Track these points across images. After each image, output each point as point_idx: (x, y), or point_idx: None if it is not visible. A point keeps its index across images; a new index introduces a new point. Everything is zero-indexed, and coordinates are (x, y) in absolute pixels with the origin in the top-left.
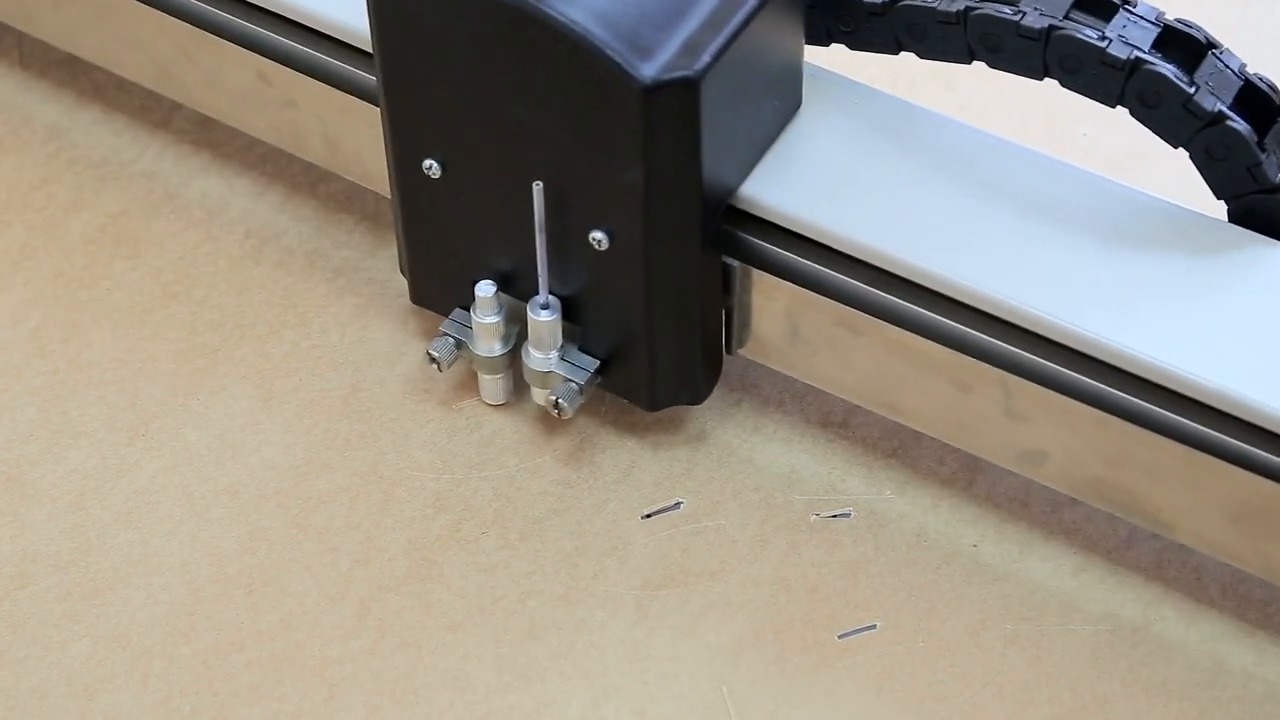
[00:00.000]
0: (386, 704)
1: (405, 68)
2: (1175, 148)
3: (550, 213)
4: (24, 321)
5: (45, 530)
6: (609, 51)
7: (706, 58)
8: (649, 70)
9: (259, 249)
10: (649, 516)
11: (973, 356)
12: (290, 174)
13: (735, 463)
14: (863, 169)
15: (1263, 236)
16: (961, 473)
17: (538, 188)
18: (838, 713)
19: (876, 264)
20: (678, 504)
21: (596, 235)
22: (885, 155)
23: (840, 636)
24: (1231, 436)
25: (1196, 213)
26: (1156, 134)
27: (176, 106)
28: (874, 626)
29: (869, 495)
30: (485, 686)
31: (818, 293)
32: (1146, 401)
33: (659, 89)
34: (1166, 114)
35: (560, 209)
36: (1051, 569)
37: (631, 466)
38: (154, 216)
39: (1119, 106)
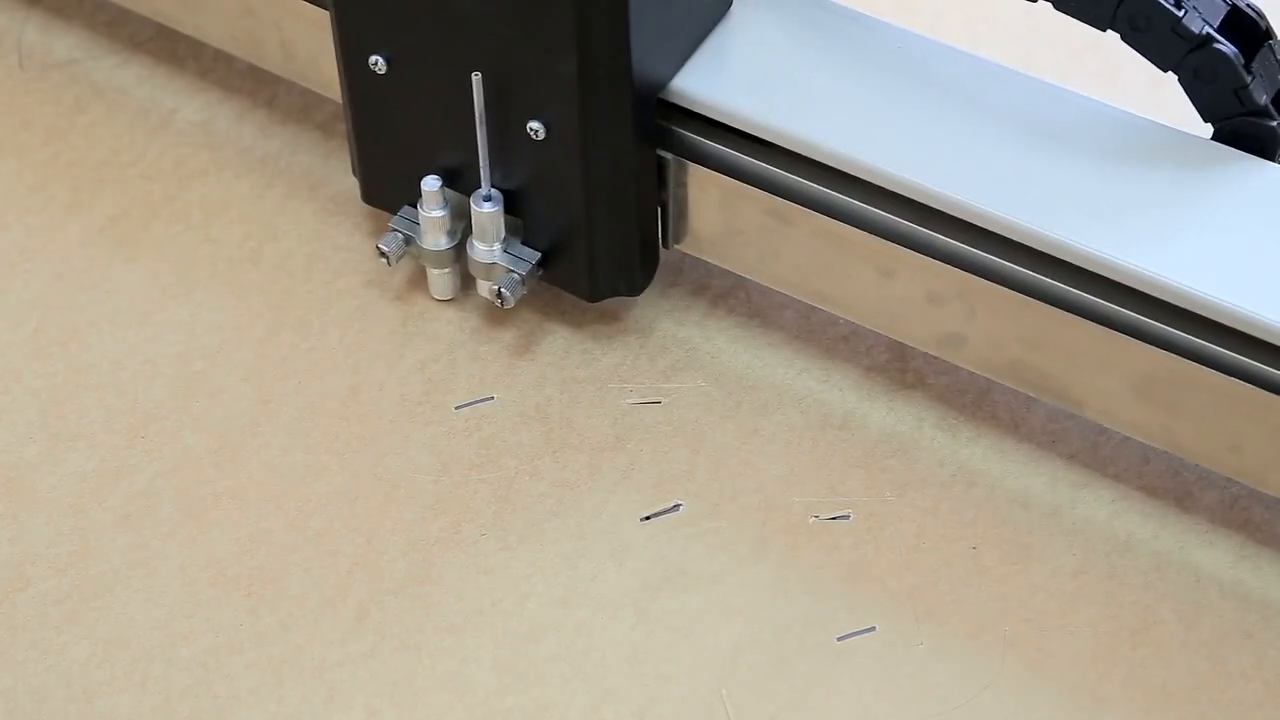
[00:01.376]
0: (386, 706)
1: None
2: (1164, 70)
3: (490, 104)
4: (23, 323)
5: (44, 533)
6: None
7: None
8: None
9: (258, 251)
10: (648, 519)
11: (894, 242)
12: (289, 176)
13: (734, 465)
14: (791, 63)
15: (1239, 153)
16: (961, 475)
17: (477, 79)
18: (837, 715)
19: (804, 154)
20: (677, 506)
21: (534, 125)
22: (814, 51)
23: (839, 639)
24: (1139, 313)
25: (1140, 117)
26: (1145, 57)
27: (176, 109)
28: (873, 629)
29: (868, 497)
30: (484, 689)
31: (748, 184)
32: (1060, 282)
33: None
34: (1155, 37)
35: (500, 100)
36: (1050, 571)
37: (631, 468)
38: (153, 219)
39: (1109, 30)
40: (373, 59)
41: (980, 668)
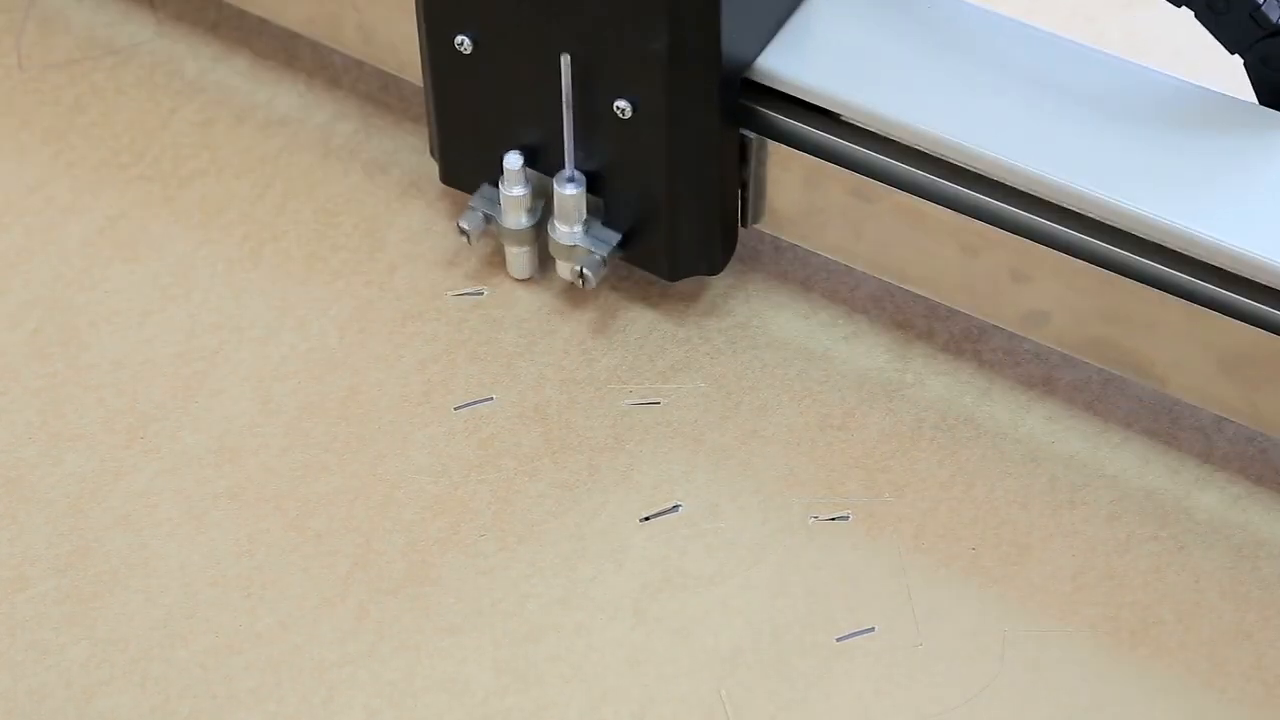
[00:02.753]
0: (385, 707)
1: None
2: (1232, 53)
3: (577, 85)
4: (22, 324)
5: (44, 533)
6: None
7: None
8: None
9: (257, 251)
10: (647, 520)
11: (977, 219)
12: (288, 176)
13: (733, 465)
14: (875, 43)
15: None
16: (960, 475)
17: (565, 59)
18: (836, 716)
19: (887, 133)
20: (676, 507)
21: (620, 104)
22: (896, 30)
23: (838, 639)
24: (1224, 288)
25: (1212, 91)
26: (1217, 38)
27: (175, 109)
28: (872, 629)
29: (867, 498)
30: (483, 689)
31: (831, 162)
32: (1144, 257)
33: None
34: (1232, 19)
35: (586, 81)
36: (1049, 572)
37: (630, 469)
38: (152, 219)
39: (1183, 7)
40: (459, 38)
41: (980, 668)
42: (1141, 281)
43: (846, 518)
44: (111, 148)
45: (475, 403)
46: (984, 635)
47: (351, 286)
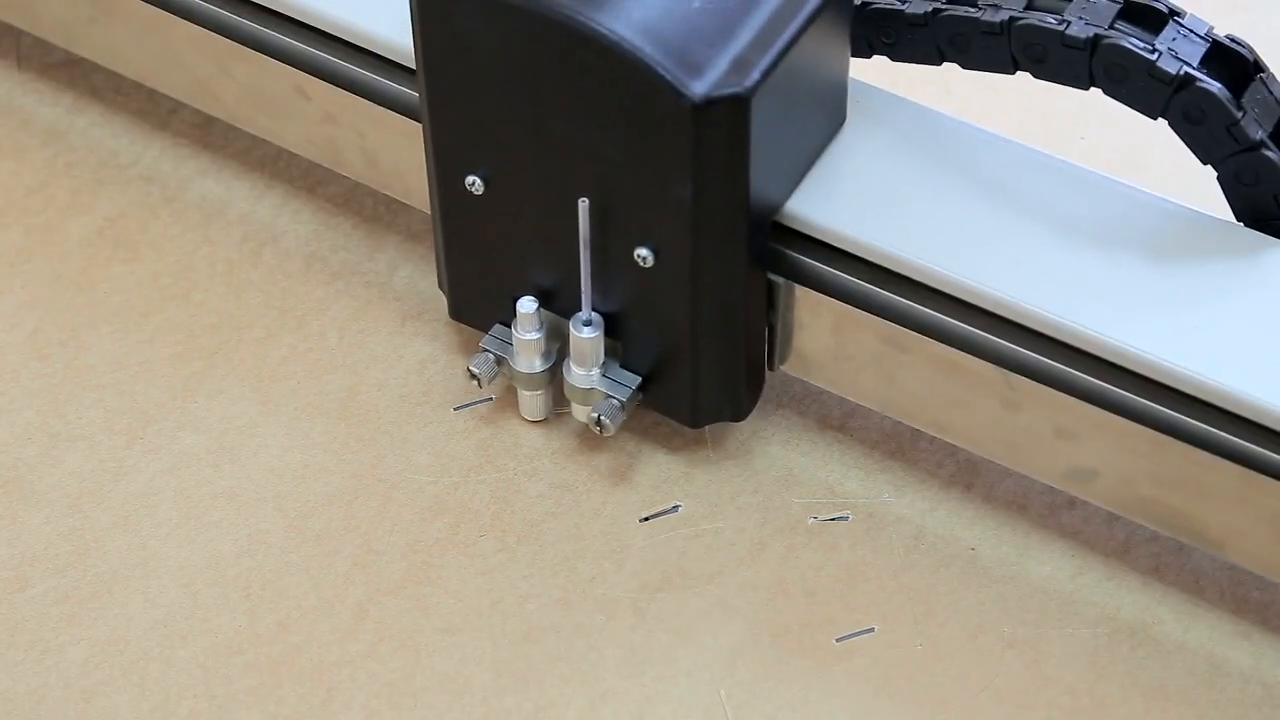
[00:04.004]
0: (384, 707)
1: (449, 83)
2: (1154, 118)
3: (595, 229)
4: (22, 324)
5: (43, 533)
6: (659, 68)
7: (756, 74)
8: (699, 87)
9: (257, 252)
10: (647, 520)
11: (1018, 373)
12: (288, 177)
13: (733, 466)
14: (907, 185)
15: None
16: (959, 475)
17: (584, 204)
18: (835, 716)
19: (922, 280)
20: (676, 507)
21: (642, 252)
22: (929, 171)
23: (838, 640)
24: (1276, 452)
25: (1234, 224)
26: (1132, 107)
27: (174, 110)
28: (872, 630)
29: (867, 498)
30: (483, 689)
31: (863, 309)
32: (1197, 420)
33: (709, 106)
34: (1135, 85)
35: (605, 225)
36: (1049, 572)
37: (629, 469)
38: (152, 219)
39: (1092, 88)
40: (470, 179)
41: (980, 668)
42: (1193, 444)
43: (846, 518)
44: (111, 148)
45: (475, 403)
46: (984, 635)
47: (351, 286)
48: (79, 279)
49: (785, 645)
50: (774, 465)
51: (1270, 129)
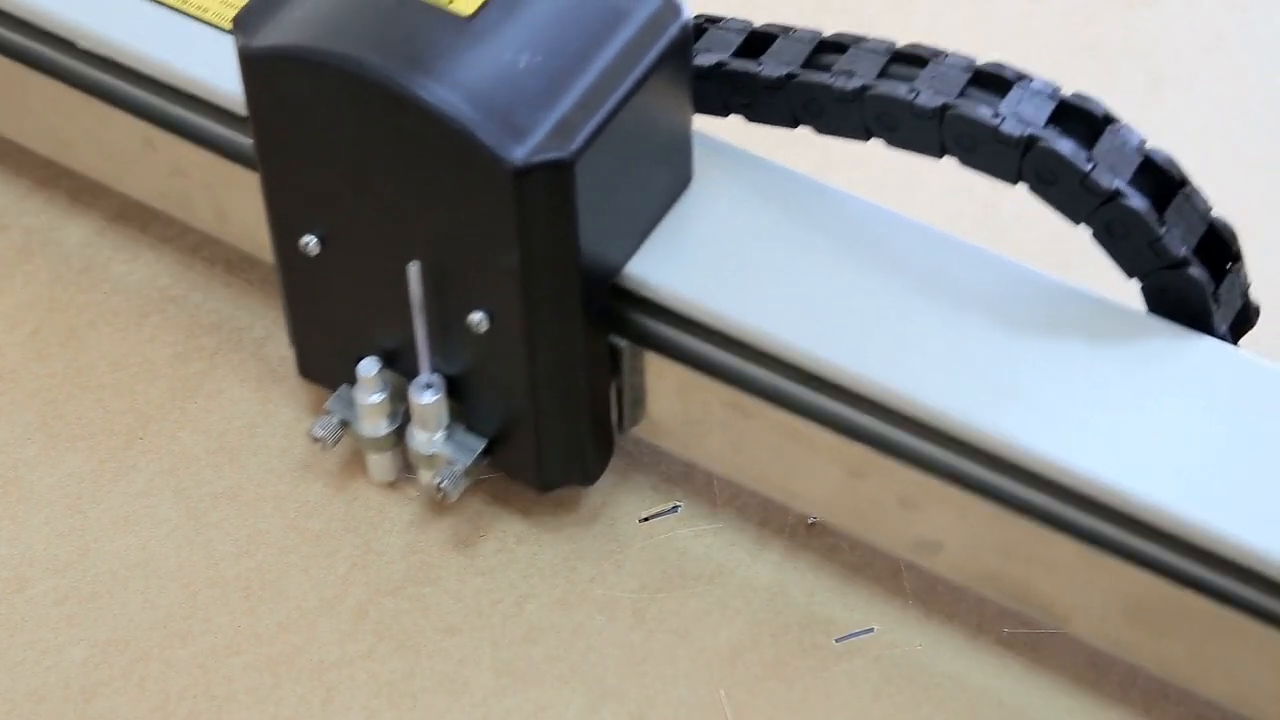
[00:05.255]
0: (384, 707)
1: (279, 143)
2: (1075, 224)
3: (429, 293)
4: (22, 325)
5: (43, 533)
6: (478, 133)
7: (580, 139)
8: (519, 153)
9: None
10: (646, 520)
11: (864, 444)
12: None
13: None
14: (754, 247)
15: (1173, 325)
16: None
17: (414, 269)
18: (835, 716)
19: (761, 348)
20: (675, 508)
21: (475, 317)
22: (778, 232)
23: (838, 640)
24: (1127, 534)
25: (1107, 300)
26: (1056, 210)
27: None
28: (871, 630)
29: None
30: (483, 689)
31: (706, 374)
32: (1041, 497)
33: (530, 172)
34: (1064, 191)
35: (439, 289)
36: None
37: (629, 469)
38: (153, 219)
39: (1019, 183)
40: (305, 239)
41: (980, 668)
42: (1036, 519)
43: None
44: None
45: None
46: (983, 636)
47: None
48: (79, 279)
49: (785, 645)
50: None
51: (1129, 176)
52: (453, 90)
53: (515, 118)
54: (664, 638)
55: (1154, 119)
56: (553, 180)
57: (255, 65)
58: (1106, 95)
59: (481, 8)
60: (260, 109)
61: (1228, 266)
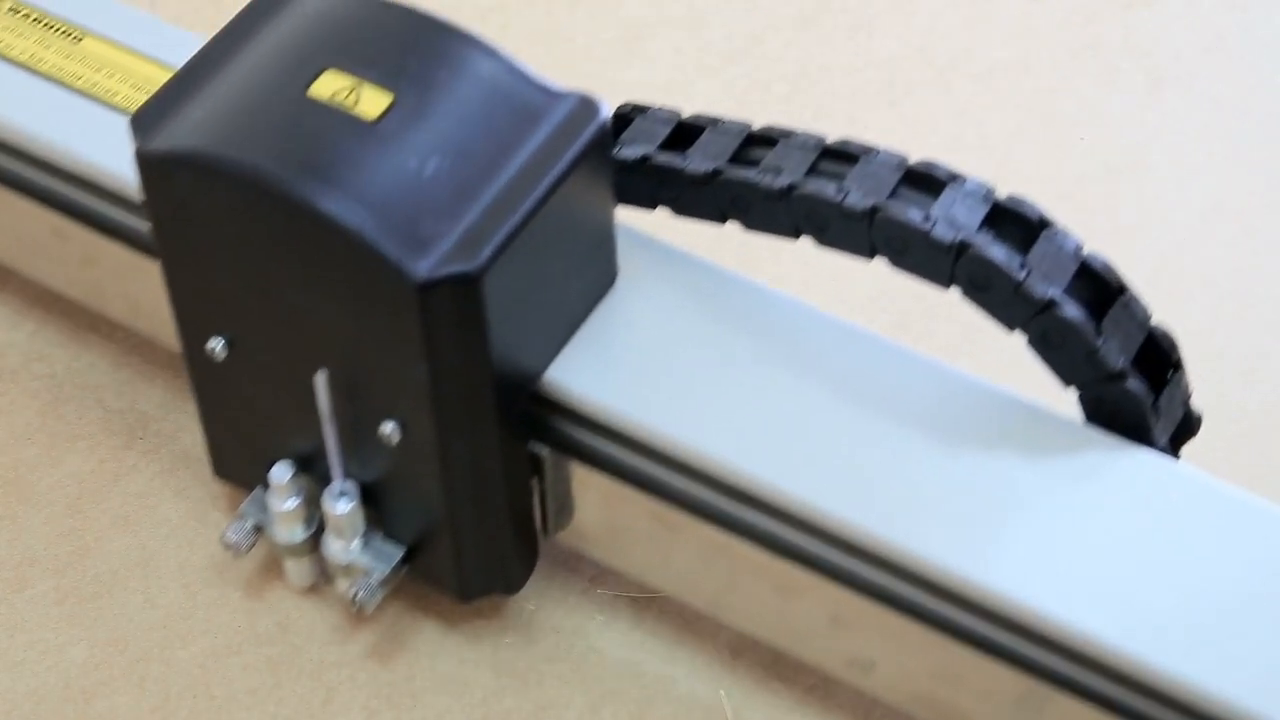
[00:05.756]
0: (384, 708)
1: (182, 245)
2: (1010, 330)
3: (339, 402)
4: (22, 325)
5: (43, 533)
6: (380, 247)
7: (489, 250)
8: (423, 267)
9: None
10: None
11: (790, 561)
12: None
13: None
14: (679, 352)
15: (1111, 436)
16: None
17: (321, 378)
18: (836, 716)
19: (689, 462)
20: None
21: (387, 428)
22: (705, 336)
23: None
24: (1065, 663)
25: (1042, 410)
26: (990, 317)
27: None
28: None
29: None
30: (483, 689)
31: (630, 485)
32: (972, 620)
33: (434, 286)
34: (997, 298)
35: (350, 398)
36: None
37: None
38: None
39: (951, 287)
40: (211, 343)
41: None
42: (969, 644)
43: None
44: None
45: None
46: None
47: None
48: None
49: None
50: None
51: (1065, 285)
52: (354, 200)
53: (419, 228)
54: (664, 638)
55: (1154, 119)
56: (459, 293)
57: (152, 168)
58: (1106, 95)
59: (387, 111)
60: (160, 211)
61: (1168, 376)
